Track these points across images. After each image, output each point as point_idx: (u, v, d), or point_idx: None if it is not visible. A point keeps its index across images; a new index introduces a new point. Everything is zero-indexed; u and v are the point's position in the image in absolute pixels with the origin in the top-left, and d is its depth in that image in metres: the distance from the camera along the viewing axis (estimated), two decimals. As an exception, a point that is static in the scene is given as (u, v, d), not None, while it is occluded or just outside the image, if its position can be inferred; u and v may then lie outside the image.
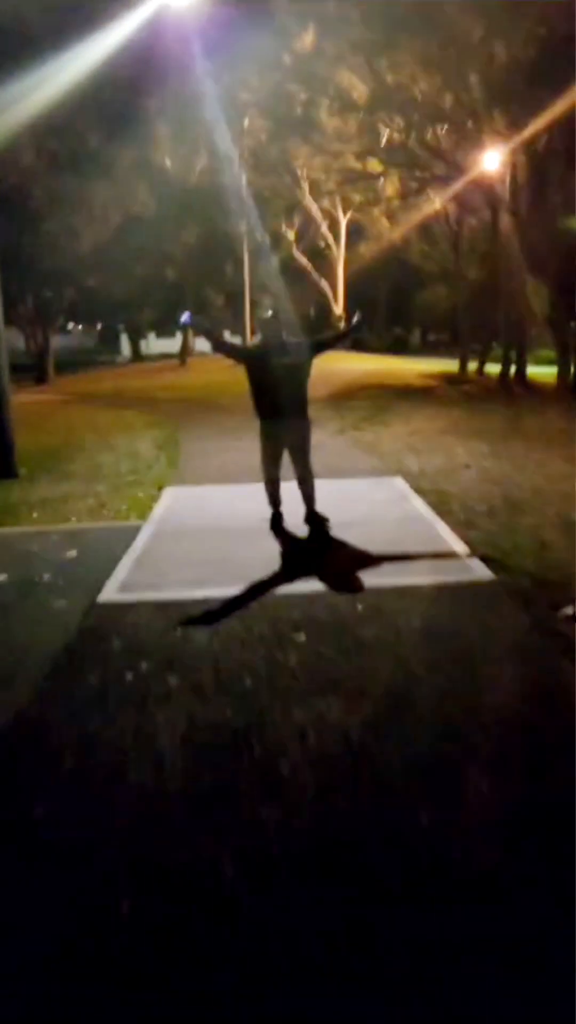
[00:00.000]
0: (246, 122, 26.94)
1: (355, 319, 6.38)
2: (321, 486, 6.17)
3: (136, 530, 6.09)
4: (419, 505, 6.64)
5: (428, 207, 26.56)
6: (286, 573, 4.97)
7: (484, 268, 25.51)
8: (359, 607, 4.30)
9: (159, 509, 6.81)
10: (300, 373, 5.83)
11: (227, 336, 47.30)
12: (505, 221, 20.42)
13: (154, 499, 7.28)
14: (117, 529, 6.20)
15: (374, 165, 24.79)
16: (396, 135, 22.14)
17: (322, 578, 4.82)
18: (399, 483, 7.55)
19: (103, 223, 21.40)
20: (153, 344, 43.44)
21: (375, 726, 3.07)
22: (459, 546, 5.40)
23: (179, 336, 36.00)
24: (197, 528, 6.13)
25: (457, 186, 22.12)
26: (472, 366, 24.52)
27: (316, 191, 29.35)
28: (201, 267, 31.21)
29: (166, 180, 24.01)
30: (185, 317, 6.11)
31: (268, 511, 6.15)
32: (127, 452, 10.46)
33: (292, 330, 6.82)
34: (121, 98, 19.89)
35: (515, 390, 18.62)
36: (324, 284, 34.58)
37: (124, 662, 3.74)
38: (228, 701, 3.31)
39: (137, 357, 38.69)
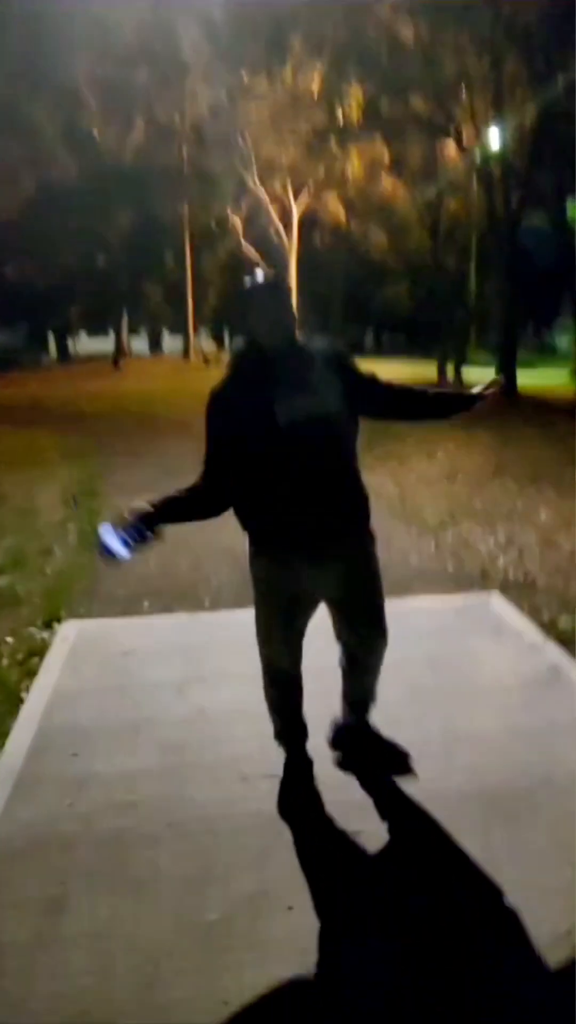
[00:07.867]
0: (188, 85, 23.23)
1: (487, 387, 2.48)
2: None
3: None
4: (595, 693, 3.13)
5: (397, 190, 23.27)
6: None
7: (464, 259, 22.42)
8: None
9: (34, 704, 3.11)
10: (342, 432, 2.28)
11: (166, 336, 42.92)
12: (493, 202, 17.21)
13: (33, 656, 3.61)
14: None
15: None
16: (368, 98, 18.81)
17: None
18: (505, 611, 4.01)
19: (12, 187, 17.32)
20: (85, 343, 38.97)
21: None
22: None
23: (111, 335, 31.61)
24: (112, 804, 2.47)
25: (439, 160, 18.93)
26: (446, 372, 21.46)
27: (268, 170, 25.59)
28: (137, 255, 27.21)
29: (93, 146, 20.10)
30: (112, 542, 2.11)
31: (275, 703, 2.59)
32: (19, 512, 6.72)
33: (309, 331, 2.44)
34: (31, 35, 15.96)
35: (521, 402, 15.41)
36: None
37: None
38: None
39: (65, 358, 34.16)
